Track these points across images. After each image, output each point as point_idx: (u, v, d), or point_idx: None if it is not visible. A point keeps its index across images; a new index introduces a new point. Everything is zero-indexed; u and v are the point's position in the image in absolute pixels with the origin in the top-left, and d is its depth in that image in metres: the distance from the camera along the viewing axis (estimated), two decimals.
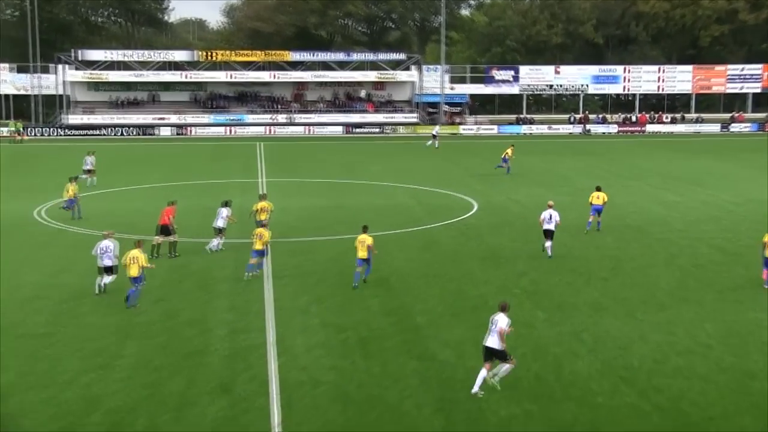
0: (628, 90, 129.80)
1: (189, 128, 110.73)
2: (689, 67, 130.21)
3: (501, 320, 22.12)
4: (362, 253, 31.37)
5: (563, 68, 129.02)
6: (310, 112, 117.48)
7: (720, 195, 55.61)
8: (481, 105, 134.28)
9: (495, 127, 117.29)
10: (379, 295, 30.60)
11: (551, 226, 36.60)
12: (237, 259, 35.58)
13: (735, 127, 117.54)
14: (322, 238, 41.01)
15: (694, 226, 44.38)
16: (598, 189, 43.38)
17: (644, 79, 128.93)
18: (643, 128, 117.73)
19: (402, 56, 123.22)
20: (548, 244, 36.52)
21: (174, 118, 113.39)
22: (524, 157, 75.54)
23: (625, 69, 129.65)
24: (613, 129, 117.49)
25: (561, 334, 26.66)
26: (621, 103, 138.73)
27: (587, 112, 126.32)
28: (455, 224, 44.83)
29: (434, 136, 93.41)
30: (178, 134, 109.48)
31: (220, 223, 37.90)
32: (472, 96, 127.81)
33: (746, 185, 60.17)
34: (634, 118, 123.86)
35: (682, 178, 64.04)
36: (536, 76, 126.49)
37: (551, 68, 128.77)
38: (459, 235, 41.71)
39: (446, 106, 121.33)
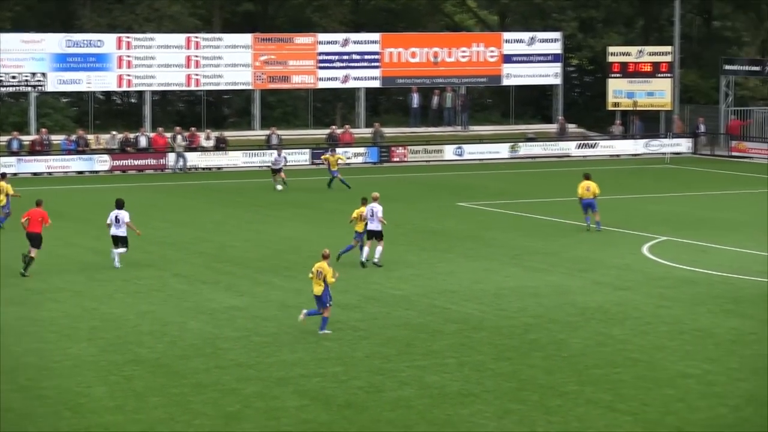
0: (132, 84, 66.33)
1: None
2: (246, 38, 68.03)
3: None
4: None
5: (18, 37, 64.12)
6: None
7: None
8: None
9: None
10: None
11: (375, 225, 33.41)
12: None
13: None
14: None
15: None
16: (587, 177, 40.17)
17: (158, 61, 66.07)
18: (161, 160, 60.79)
19: None
20: (378, 248, 33.56)
21: None
22: None
23: (120, 42, 65.38)
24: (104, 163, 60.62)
25: None
26: (119, 111, 74.09)
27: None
28: None
29: None
30: None
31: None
32: None
33: None
34: (142, 140, 62.96)
35: None
36: None
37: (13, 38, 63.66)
38: None
39: None
